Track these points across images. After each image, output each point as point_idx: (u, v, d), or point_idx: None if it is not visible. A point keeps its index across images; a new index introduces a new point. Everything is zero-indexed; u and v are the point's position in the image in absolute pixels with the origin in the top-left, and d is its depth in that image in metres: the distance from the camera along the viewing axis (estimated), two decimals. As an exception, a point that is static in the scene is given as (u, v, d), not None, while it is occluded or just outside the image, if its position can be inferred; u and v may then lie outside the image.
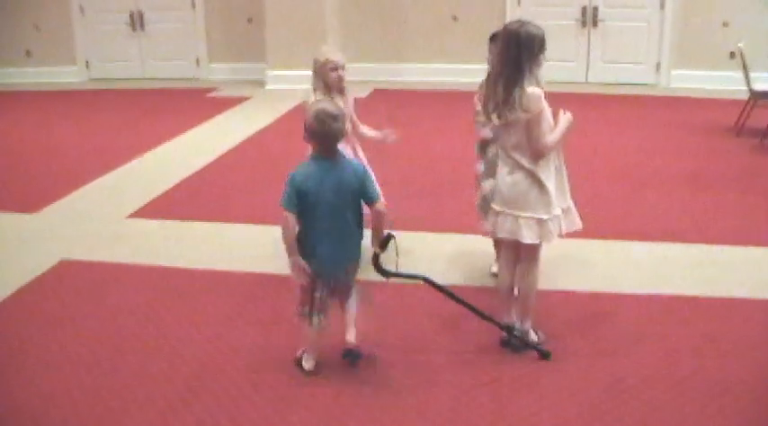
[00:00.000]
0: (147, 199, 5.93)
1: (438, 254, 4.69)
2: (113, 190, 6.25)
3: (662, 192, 5.87)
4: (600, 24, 10.20)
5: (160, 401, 3.24)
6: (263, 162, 6.90)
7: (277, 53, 10.26)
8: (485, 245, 4.35)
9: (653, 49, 10.14)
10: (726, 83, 9.45)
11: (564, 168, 3.52)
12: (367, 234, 3.40)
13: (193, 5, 11.24)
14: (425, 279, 3.50)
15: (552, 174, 3.42)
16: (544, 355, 3.51)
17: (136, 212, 5.67)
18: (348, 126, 3.99)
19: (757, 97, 7.43)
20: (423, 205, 5.63)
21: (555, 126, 3.39)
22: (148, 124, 8.68)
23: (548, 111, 3.37)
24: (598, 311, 3.98)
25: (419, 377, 3.39)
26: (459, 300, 3.55)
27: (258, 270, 4.54)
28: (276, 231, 5.00)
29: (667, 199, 5.70)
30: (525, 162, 3.36)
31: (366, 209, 3.36)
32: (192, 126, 8.43)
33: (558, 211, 3.45)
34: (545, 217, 3.40)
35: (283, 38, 10.06)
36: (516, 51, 3.25)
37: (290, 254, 3.29)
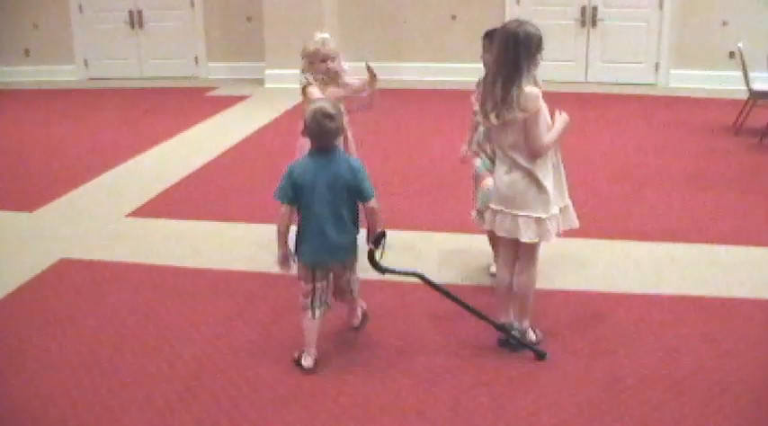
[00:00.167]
0: (146, 199, 5.93)
1: (436, 253, 4.69)
2: (113, 189, 6.24)
3: (661, 192, 5.87)
4: (599, 24, 10.20)
5: (159, 401, 3.23)
6: (262, 161, 6.89)
7: (276, 52, 10.26)
8: (483, 244, 4.35)
9: (652, 49, 10.14)
10: (725, 82, 9.46)
11: (562, 167, 3.52)
12: (363, 231, 3.44)
13: (192, 4, 11.24)
14: (420, 276, 3.54)
15: (550, 173, 3.43)
16: (540, 356, 3.51)
17: (135, 211, 5.66)
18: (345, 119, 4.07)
19: (756, 97, 7.43)
20: (422, 204, 5.63)
21: (552, 125, 3.40)
22: (147, 123, 8.68)
23: (545, 111, 3.38)
24: (597, 311, 3.98)
25: (419, 377, 3.39)
26: (453, 298, 3.59)
27: (258, 270, 4.54)
28: (275, 230, 5.01)
29: (666, 199, 5.70)
30: (523, 161, 3.37)
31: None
32: (191, 125, 8.43)
33: (556, 210, 3.46)
34: (543, 215, 3.40)
35: (282, 37, 10.06)
36: (514, 51, 3.26)
37: (278, 245, 3.44)
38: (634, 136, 7.67)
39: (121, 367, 3.50)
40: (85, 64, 11.59)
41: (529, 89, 3.27)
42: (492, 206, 3.54)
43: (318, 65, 4.32)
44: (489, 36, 3.89)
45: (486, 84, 3.39)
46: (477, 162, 4.17)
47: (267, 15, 10.31)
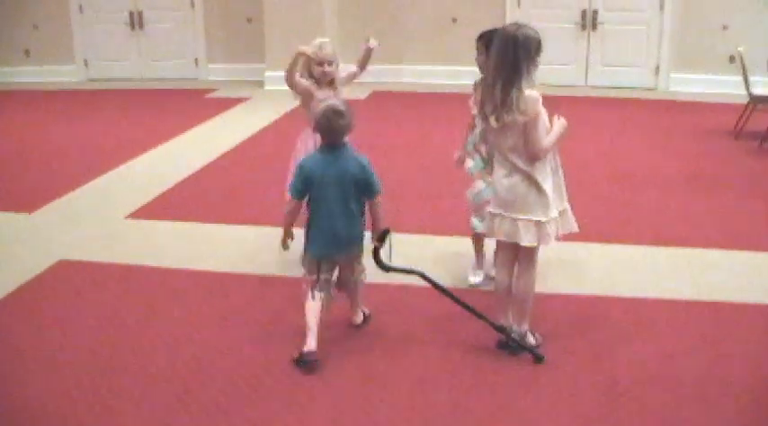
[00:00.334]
0: (145, 200, 5.93)
1: (435, 256, 4.68)
2: (112, 191, 6.24)
3: (661, 196, 5.87)
4: (599, 27, 10.20)
5: (158, 401, 3.23)
6: (261, 162, 6.89)
7: (276, 54, 10.23)
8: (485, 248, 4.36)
9: (652, 53, 10.14)
10: (725, 86, 9.46)
11: (561, 170, 3.52)
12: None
13: (192, 5, 11.23)
14: (421, 275, 3.61)
15: (549, 176, 3.43)
16: (538, 359, 3.51)
17: (134, 212, 5.66)
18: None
19: (756, 101, 7.44)
20: (423, 207, 5.63)
21: (551, 129, 3.41)
22: (147, 124, 8.67)
23: (544, 114, 3.38)
24: (596, 314, 3.98)
25: (418, 378, 3.39)
26: (452, 297, 3.62)
27: (257, 272, 4.54)
28: (275, 232, 5.02)
29: (666, 203, 5.70)
30: (522, 164, 3.37)
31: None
32: (190, 126, 8.42)
33: (555, 213, 3.46)
34: (543, 219, 3.41)
35: (282, 38, 10.04)
36: (514, 54, 3.26)
37: (283, 230, 3.61)
38: (634, 139, 7.67)
39: (121, 367, 3.50)
40: (85, 65, 11.58)
41: (529, 92, 3.28)
42: (491, 209, 3.55)
43: (315, 68, 4.35)
44: (483, 39, 3.90)
45: (486, 86, 3.39)
46: (470, 163, 4.19)
47: (267, 17, 10.30)
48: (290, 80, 4.35)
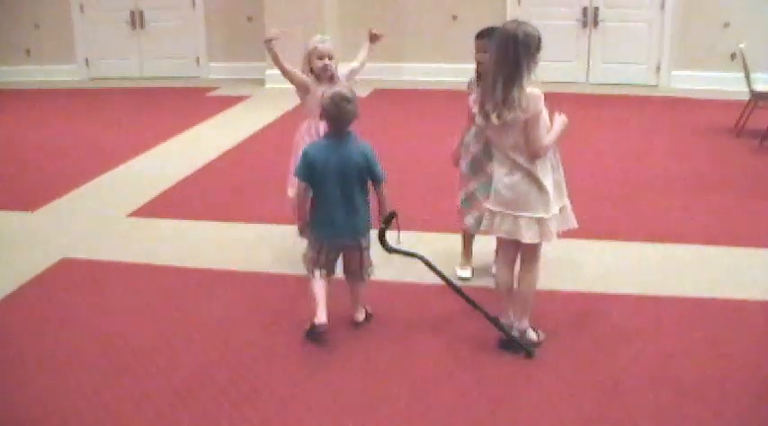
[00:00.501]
0: (147, 198, 5.93)
1: (434, 254, 4.67)
2: (113, 189, 6.24)
3: (662, 193, 5.86)
4: (600, 25, 10.19)
5: (159, 400, 3.23)
6: (263, 161, 6.89)
7: (276, 52, 10.23)
8: (481, 245, 4.35)
9: (653, 50, 10.12)
10: (726, 84, 9.44)
11: (561, 167, 3.53)
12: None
13: (193, 4, 11.23)
14: (421, 258, 3.67)
15: (549, 173, 3.44)
16: (528, 354, 3.52)
17: (136, 211, 5.66)
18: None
19: (758, 98, 7.42)
20: (424, 204, 5.62)
21: (551, 127, 3.41)
22: (148, 123, 8.67)
23: (545, 112, 3.38)
24: (598, 312, 3.98)
25: (419, 377, 3.39)
26: (450, 284, 3.68)
27: (258, 270, 4.54)
28: (276, 230, 5.01)
29: (667, 200, 5.70)
30: (523, 162, 3.37)
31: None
32: (191, 125, 8.42)
33: (556, 210, 3.47)
34: (545, 216, 3.41)
35: (283, 37, 10.03)
36: (515, 51, 3.26)
37: (297, 216, 3.74)
38: (634, 137, 7.66)
39: (121, 366, 3.50)
40: (86, 64, 11.58)
41: (531, 90, 3.28)
42: (490, 207, 3.54)
43: (315, 62, 4.38)
44: (482, 36, 3.90)
45: (486, 85, 3.38)
46: (464, 163, 4.19)
47: (268, 15, 10.30)
48: (282, 72, 4.43)
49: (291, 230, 4.80)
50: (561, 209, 3.53)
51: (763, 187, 6.00)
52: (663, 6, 9.93)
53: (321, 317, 3.61)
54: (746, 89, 7.52)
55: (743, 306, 4.02)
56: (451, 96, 9.31)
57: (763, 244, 4.82)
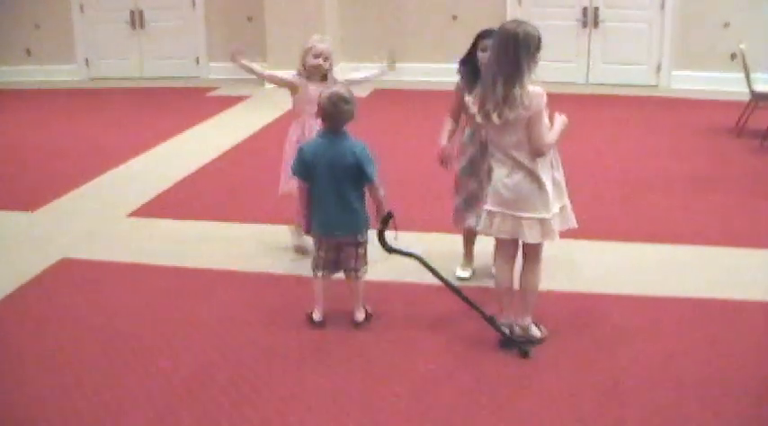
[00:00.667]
0: (147, 198, 5.93)
1: (437, 254, 4.67)
2: (113, 189, 6.24)
3: (662, 194, 5.86)
4: (601, 25, 10.19)
5: (159, 401, 3.23)
6: (263, 161, 6.87)
7: (277, 52, 10.24)
8: (480, 245, 4.35)
9: (654, 50, 10.13)
10: (726, 84, 9.44)
11: (560, 167, 3.53)
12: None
13: (193, 4, 11.24)
14: (419, 259, 3.70)
15: (549, 172, 3.44)
16: (524, 354, 3.52)
17: (136, 211, 5.66)
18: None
19: (758, 98, 7.42)
20: (422, 204, 5.62)
21: (551, 126, 3.41)
22: (148, 123, 8.67)
23: (545, 112, 3.39)
24: (598, 312, 3.98)
25: (419, 377, 3.39)
26: (447, 283, 3.70)
27: (258, 270, 4.54)
28: (276, 230, 5.01)
29: (668, 201, 5.70)
30: (526, 161, 3.37)
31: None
32: (192, 125, 8.42)
33: (556, 209, 3.48)
34: (547, 216, 3.41)
35: (283, 37, 10.04)
36: (515, 51, 3.27)
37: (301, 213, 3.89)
38: (635, 137, 7.66)
39: (122, 367, 3.50)
40: (87, 64, 11.58)
41: (533, 88, 3.29)
42: (488, 208, 3.53)
43: (310, 59, 4.45)
44: (487, 36, 3.89)
45: (486, 84, 3.38)
46: (459, 165, 4.18)
47: (268, 15, 10.30)
48: (267, 80, 4.56)
49: (289, 230, 4.84)
50: (561, 209, 3.53)
51: (763, 187, 6.00)
52: (663, 6, 9.93)
53: (317, 316, 3.82)
54: (747, 89, 7.52)
55: (743, 307, 4.02)
56: (451, 96, 9.32)
57: (763, 245, 4.82)
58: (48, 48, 11.48)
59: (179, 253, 4.83)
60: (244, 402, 3.21)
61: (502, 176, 3.44)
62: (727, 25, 9.70)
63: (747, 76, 7.46)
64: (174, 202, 5.91)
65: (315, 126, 4.34)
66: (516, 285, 3.66)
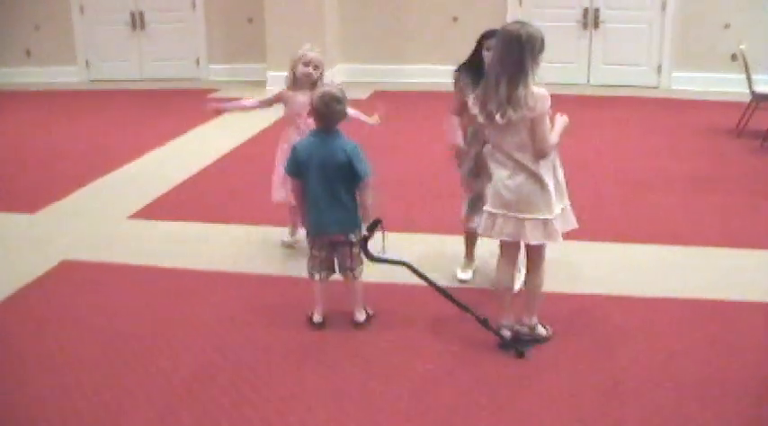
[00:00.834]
0: (147, 200, 5.93)
1: (438, 255, 4.68)
2: (114, 191, 6.24)
3: (663, 194, 5.86)
4: (601, 26, 10.20)
5: (159, 402, 3.23)
6: (263, 162, 6.83)
7: (277, 53, 10.23)
8: (480, 246, 4.34)
9: (654, 51, 10.13)
10: (727, 85, 9.44)
11: (561, 168, 3.53)
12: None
13: (193, 6, 11.24)
14: (408, 265, 3.68)
15: (551, 173, 3.44)
16: (520, 354, 3.52)
17: (137, 213, 5.66)
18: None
19: (759, 99, 7.42)
20: (422, 206, 5.62)
21: (552, 127, 3.41)
22: (149, 125, 8.68)
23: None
24: (598, 313, 3.98)
25: (419, 377, 3.39)
26: (439, 289, 3.69)
27: (258, 272, 4.54)
28: (276, 231, 5.01)
29: (668, 202, 5.70)
30: (529, 163, 3.37)
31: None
32: (192, 127, 8.42)
33: (559, 210, 3.47)
34: (549, 217, 3.41)
35: (283, 38, 10.04)
36: (519, 52, 3.27)
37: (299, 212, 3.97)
38: (635, 138, 7.66)
39: (122, 367, 3.50)
40: (87, 65, 11.58)
41: (537, 89, 3.29)
42: (489, 209, 3.53)
43: (299, 67, 4.54)
44: (491, 36, 3.88)
45: (488, 84, 3.38)
46: (464, 168, 4.17)
47: (268, 17, 10.30)
48: (262, 107, 4.82)
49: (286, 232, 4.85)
50: (562, 210, 3.53)
51: (763, 188, 6.00)
52: (663, 7, 9.93)
53: (318, 318, 3.83)
54: (747, 90, 7.52)
55: (743, 307, 4.02)
56: (452, 98, 9.33)
57: (763, 245, 4.82)
58: (48, 50, 11.49)
59: (179, 255, 4.83)
60: (244, 402, 3.22)
61: (503, 177, 3.44)
62: (727, 26, 9.70)
63: (748, 77, 7.46)
64: (175, 204, 5.91)
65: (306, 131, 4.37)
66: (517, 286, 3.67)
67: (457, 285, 4.26)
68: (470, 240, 4.38)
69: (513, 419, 3.10)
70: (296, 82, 4.58)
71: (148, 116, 9.19)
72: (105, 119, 9.02)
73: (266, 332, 3.82)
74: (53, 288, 4.40)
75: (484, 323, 3.60)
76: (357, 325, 3.83)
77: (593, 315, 3.96)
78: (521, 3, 10.31)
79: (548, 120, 3.38)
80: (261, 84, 10.59)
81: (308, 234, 3.83)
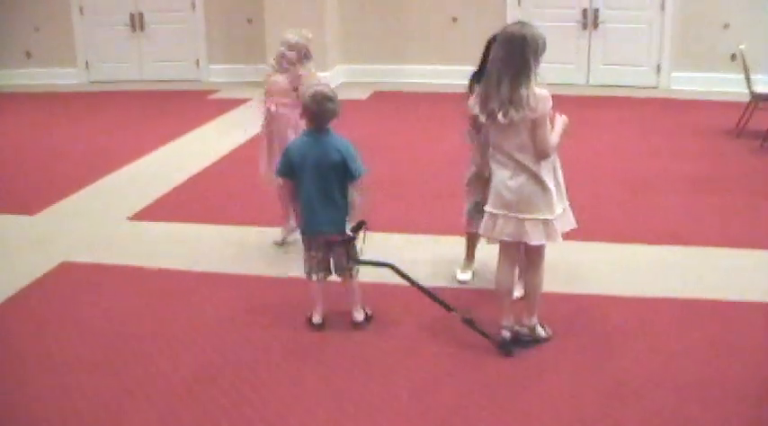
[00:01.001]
0: (147, 201, 5.93)
1: (440, 255, 4.68)
2: (114, 192, 6.24)
3: (663, 195, 5.86)
4: (600, 26, 10.19)
5: (159, 402, 3.23)
6: (263, 163, 6.88)
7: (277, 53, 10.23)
8: (480, 247, 4.35)
9: (653, 51, 10.12)
10: (726, 85, 9.43)
11: (560, 169, 3.53)
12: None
13: (193, 7, 11.23)
14: (392, 267, 3.71)
15: (551, 173, 3.44)
16: (506, 352, 3.54)
17: (137, 214, 5.66)
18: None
19: (758, 99, 7.42)
20: (422, 207, 5.62)
21: (552, 128, 3.41)
22: (149, 126, 8.67)
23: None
24: (599, 314, 3.98)
25: (419, 378, 3.39)
26: (424, 290, 3.71)
27: (258, 272, 4.54)
28: (276, 232, 5.01)
29: (668, 202, 5.69)
30: (530, 163, 3.37)
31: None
32: (192, 128, 8.42)
33: (560, 210, 3.48)
34: (550, 217, 3.42)
35: (283, 39, 10.04)
36: (521, 52, 3.28)
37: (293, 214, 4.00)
38: (635, 138, 7.66)
39: (122, 368, 3.50)
40: (87, 66, 11.57)
41: (539, 90, 3.30)
42: (489, 210, 3.53)
43: (278, 49, 4.75)
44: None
45: (490, 84, 3.37)
46: (468, 172, 4.17)
47: (268, 17, 10.29)
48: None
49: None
50: (562, 210, 3.53)
51: (763, 188, 6.00)
52: (663, 8, 9.92)
53: (317, 319, 3.83)
54: (747, 90, 7.51)
55: (743, 307, 4.02)
56: (451, 98, 9.33)
57: (763, 245, 4.82)
58: (48, 51, 11.47)
59: (179, 255, 4.83)
60: (244, 402, 3.22)
61: (504, 178, 3.44)
62: (727, 26, 9.69)
63: (747, 77, 7.46)
64: (175, 205, 5.91)
65: (281, 110, 4.66)
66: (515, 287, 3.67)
67: (456, 286, 4.27)
68: (472, 241, 4.37)
69: (513, 419, 3.10)
70: (276, 63, 4.79)
71: (148, 117, 9.19)
72: (105, 121, 9.01)
73: (266, 332, 3.82)
74: (53, 288, 4.41)
75: (469, 323, 3.62)
76: (356, 325, 3.83)
77: (593, 315, 3.96)
78: (520, 3, 10.31)
79: (548, 121, 3.38)
80: (261, 84, 10.58)
81: (302, 234, 3.83)
